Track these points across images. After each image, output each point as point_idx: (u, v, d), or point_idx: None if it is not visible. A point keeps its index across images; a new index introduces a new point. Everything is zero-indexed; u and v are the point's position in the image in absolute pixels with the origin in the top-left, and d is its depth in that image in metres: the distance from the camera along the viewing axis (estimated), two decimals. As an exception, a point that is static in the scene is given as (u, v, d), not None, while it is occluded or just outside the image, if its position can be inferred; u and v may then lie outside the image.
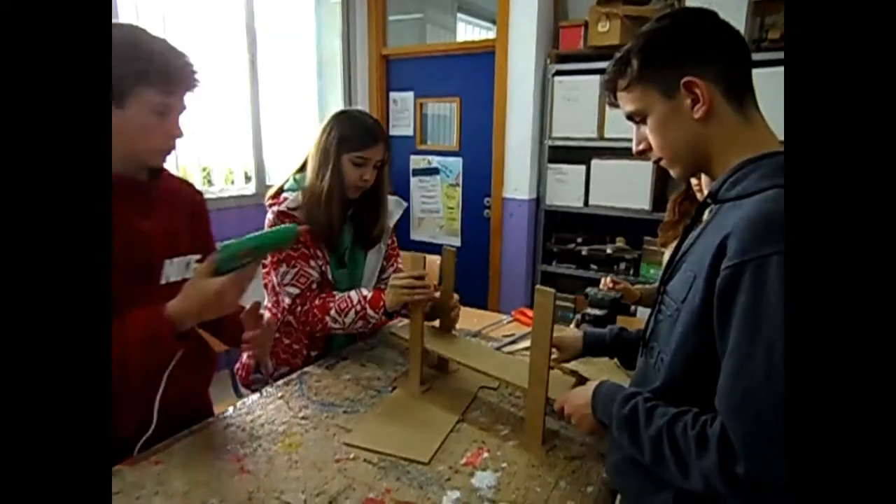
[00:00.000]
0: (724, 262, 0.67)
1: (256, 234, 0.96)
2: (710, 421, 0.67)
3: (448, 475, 0.90)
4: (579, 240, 3.05)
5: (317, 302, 1.33)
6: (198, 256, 1.11)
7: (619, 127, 2.66)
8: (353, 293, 1.31)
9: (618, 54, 0.83)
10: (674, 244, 1.58)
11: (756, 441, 0.61)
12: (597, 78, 2.68)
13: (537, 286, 0.94)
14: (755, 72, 0.79)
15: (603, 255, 2.95)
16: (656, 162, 0.85)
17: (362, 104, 3.41)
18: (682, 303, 0.76)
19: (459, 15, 3.77)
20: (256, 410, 1.09)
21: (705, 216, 0.84)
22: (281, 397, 1.15)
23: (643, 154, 0.86)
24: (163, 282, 1.04)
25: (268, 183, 2.91)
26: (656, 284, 1.75)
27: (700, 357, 0.72)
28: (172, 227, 1.06)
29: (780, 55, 2.19)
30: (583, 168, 2.86)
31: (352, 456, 0.94)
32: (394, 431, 1.02)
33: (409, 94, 3.35)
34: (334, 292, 1.37)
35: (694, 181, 1.45)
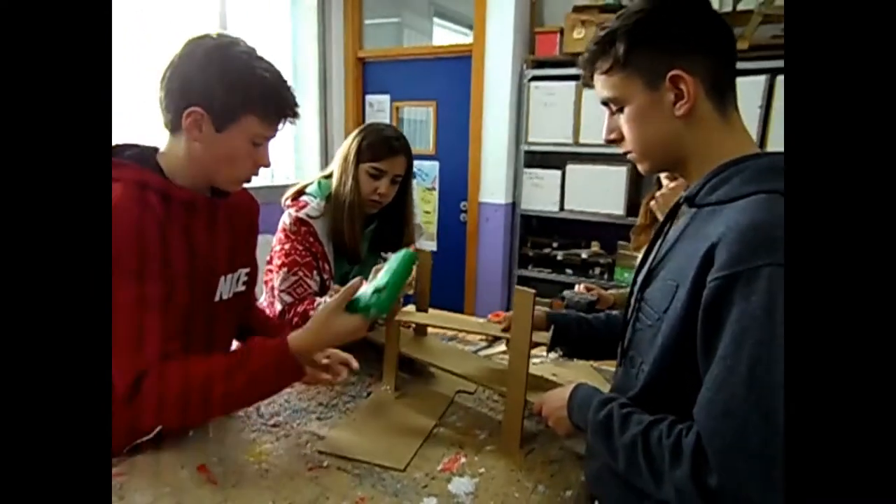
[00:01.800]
0: (711, 274, 0.64)
1: (389, 270, 0.96)
2: (685, 431, 0.65)
3: (424, 482, 0.87)
4: (555, 244, 3.07)
5: (299, 309, 1.30)
6: (247, 270, 1.11)
7: (594, 132, 2.69)
8: (326, 297, 1.28)
9: (602, 32, 0.77)
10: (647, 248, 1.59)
11: (732, 456, 0.59)
12: (573, 84, 2.71)
13: (516, 287, 0.93)
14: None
15: (578, 260, 2.97)
16: (625, 154, 0.81)
17: (337, 107, 3.38)
18: (663, 312, 0.73)
19: (436, 20, 3.77)
20: (224, 419, 1.04)
21: (680, 220, 0.82)
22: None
23: (613, 143, 0.82)
24: (216, 299, 1.02)
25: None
26: (628, 289, 1.77)
27: (681, 367, 0.70)
28: (233, 244, 1.04)
29: (749, 65, 2.25)
30: (558, 173, 2.88)
31: (325, 464, 0.91)
32: (368, 438, 0.99)
33: (386, 98, 3.33)
34: (316, 299, 1.33)
35: (670, 184, 1.45)
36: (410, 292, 1.23)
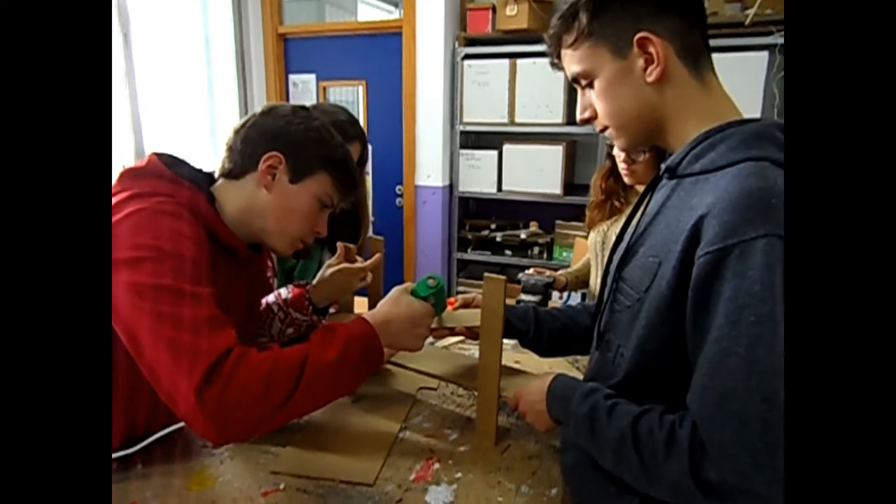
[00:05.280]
0: (701, 248, 0.59)
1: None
2: (678, 421, 0.61)
3: (398, 495, 0.79)
4: (493, 226, 3.05)
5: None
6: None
7: (529, 111, 2.66)
8: (269, 297, 1.13)
9: (564, 7, 0.72)
10: (601, 226, 1.57)
11: (733, 446, 0.55)
12: (506, 62, 2.65)
13: (485, 274, 0.86)
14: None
15: (517, 241, 2.96)
16: (601, 131, 0.76)
17: (258, 86, 3.14)
18: (644, 292, 0.68)
19: (360, -5, 3.59)
20: (154, 446, 0.89)
21: (659, 193, 0.77)
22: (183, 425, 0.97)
23: (588, 122, 0.77)
24: None
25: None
26: (576, 268, 1.75)
27: (666, 351, 0.65)
28: (249, 302, 1.01)
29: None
30: (495, 153, 2.84)
31: (282, 486, 0.80)
32: (328, 451, 0.89)
33: (311, 77, 3.13)
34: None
35: (623, 161, 1.42)
36: (363, 284, 1.13)
